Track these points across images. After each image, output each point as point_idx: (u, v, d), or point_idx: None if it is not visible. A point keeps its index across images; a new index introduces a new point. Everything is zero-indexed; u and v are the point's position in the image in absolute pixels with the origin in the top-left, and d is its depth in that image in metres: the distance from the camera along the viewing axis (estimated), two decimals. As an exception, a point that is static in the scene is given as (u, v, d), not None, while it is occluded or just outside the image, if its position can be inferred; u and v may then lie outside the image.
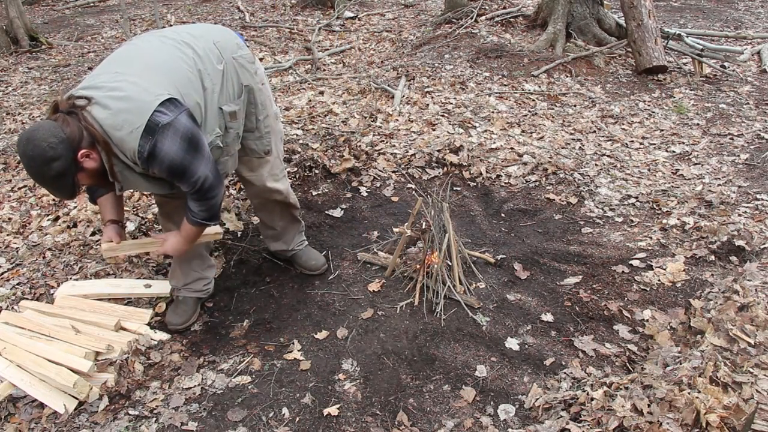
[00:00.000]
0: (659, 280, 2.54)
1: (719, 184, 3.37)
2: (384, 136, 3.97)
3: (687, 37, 5.67)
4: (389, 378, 2.15)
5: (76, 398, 1.99)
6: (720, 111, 4.53)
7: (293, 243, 2.73)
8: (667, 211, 3.10)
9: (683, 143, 4.01)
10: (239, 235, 3.07)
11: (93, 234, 2.92)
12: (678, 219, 2.99)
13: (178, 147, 1.75)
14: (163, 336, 2.32)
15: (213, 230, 2.23)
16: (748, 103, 4.66)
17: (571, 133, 4.12)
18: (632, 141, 4.04)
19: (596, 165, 3.67)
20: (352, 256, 2.88)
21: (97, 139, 1.71)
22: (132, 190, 3.05)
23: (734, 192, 3.24)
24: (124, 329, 2.32)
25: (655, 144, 4.01)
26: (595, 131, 4.19)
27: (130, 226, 2.94)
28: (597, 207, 3.25)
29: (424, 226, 2.49)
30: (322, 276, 2.74)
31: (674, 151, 3.89)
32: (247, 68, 2.11)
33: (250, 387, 2.12)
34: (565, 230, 3.07)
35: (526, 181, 3.53)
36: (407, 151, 3.77)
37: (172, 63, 1.87)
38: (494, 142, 3.88)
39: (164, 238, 2.17)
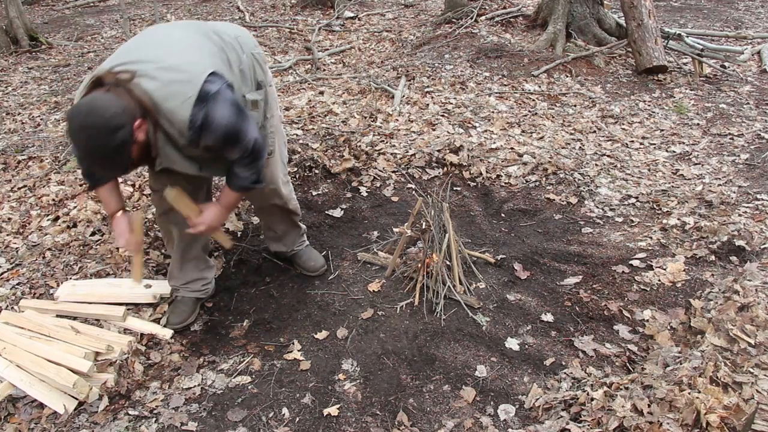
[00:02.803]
0: (659, 280, 2.54)
1: (719, 184, 3.37)
2: (384, 136, 3.97)
3: (687, 37, 5.66)
4: (389, 378, 2.15)
5: (76, 398, 1.99)
6: (720, 111, 4.53)
7: (293, 245, 2.74)
8: (667, 211, 3.10)
9: (683, 143, 4.01)
10: (239, 235, 3.06)
11: (93, 234, 2.92)
12: (678, 219, 2.99)
13: (230, 112, 1.79)
14: (166, 333, 2.34)
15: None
16: (748, 103, 4.66)
17: (571, 133, 4.12)
18: (632, 141, 4.04)
19: (596, 165, 3.67)
20: (352, 256, 2.88)
21: (148, 110, 1.70)
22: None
23: (734, 192, 3.24)
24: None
25: (655, 144, 4.01)
26: (595, 131, 4.19)
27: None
28: (597, 207, 3.25)
29: (424, 226, 2.49)
30: (322, 276, 2.74)
31: (674, 151, 3.89)
32: (261, 65, 2.17)
33: (250, 387, 2.12)
34: (565, 230, 3.07)
35: (526, 181, 3.53)
36: (407, 151, 3.77)
37: (205, 45, 1.91)
38: (494, 142, 3.88)
39: (202, 210, 2.08)
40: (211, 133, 1.77)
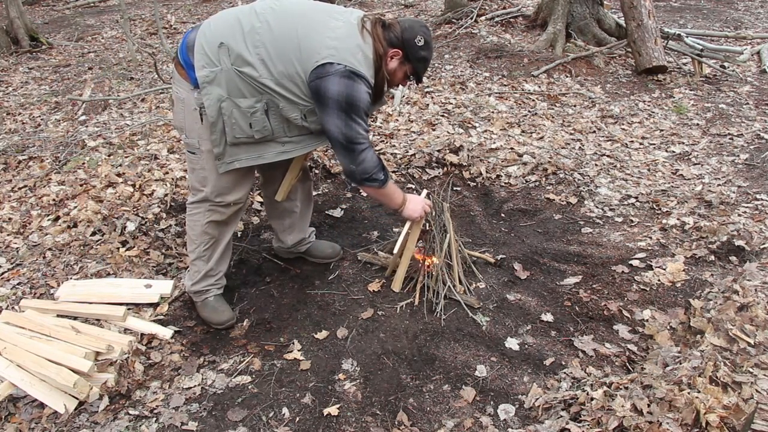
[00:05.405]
0: (659, 280, 2.54)
1: (719, 184, 3.37)
2: (384, 136, 3.97)
3: (687, 37, 5.67)
4: (389, 378, 2.15)
5: (77, 398, 1.99)
6: (720, 111, 4.53)
7: (307, 231, 2.76)
8: (667, 211, 3.10)
9: (683, 143, 4.01)
10: (239, 235, 3.07)
11: (93, 234, 2.92)
12: (678, 219, 2.99)
13: None
14: (166, 333, 2.34)
15: None
16: (747, 103, 4.66)
17: (571, 133, 4.12)
18: (632, 141, 4.04)
19: (596, 165, 3.67)
20: (352, 256, 2.88)
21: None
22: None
23: (734, 192, 3.24)
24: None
25: (654, 144, 4.01)
26: (594, 131, 4.19)
27: (130, 226, 2.94)
28: (597, 207, 3.25)
29: (426, 227, 2.49)
30: (322, 276, 2.74)
31: (674, 151, 3.89)
32: None
33: (250, 387, 2.12)
34: (565, 230, 3.08)
35: (526, 181, 3.53)
36: (407, 151, 3.77)
37: None
38: (494, 142, 3.88)
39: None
40: None
